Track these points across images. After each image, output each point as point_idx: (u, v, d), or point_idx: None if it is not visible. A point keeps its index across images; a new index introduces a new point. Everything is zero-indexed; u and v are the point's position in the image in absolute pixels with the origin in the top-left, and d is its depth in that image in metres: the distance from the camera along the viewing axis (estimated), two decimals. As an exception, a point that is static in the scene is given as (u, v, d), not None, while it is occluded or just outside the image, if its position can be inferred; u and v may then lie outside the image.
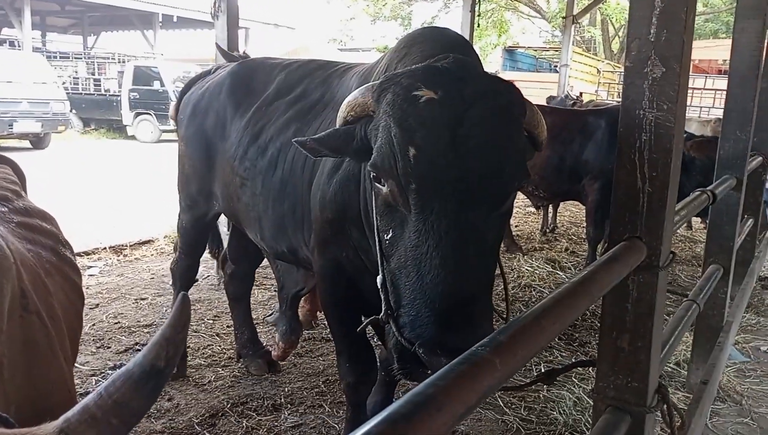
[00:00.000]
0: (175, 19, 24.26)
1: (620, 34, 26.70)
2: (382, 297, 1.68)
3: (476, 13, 8.84)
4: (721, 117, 3.73)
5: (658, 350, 1.89)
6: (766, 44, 3.53)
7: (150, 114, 18.69)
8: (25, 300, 1.22)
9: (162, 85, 18.77)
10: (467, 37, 8.65)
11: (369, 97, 1.71)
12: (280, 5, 27.85)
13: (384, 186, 1.62)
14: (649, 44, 1.69)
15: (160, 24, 24.86)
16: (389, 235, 1.64)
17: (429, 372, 1.45)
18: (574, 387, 3.60)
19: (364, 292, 2.41)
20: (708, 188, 2.91)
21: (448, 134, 1.53)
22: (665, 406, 1.86)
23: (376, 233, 1.73)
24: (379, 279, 1.72)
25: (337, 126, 1.83)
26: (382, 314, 1.66)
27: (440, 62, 1.70)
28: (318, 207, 2.40)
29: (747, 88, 3.42)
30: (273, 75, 3.14)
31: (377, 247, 1.72)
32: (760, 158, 4.59)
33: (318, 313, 4.49)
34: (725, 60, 14.02)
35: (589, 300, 1.34)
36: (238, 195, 3.04)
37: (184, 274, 3.75)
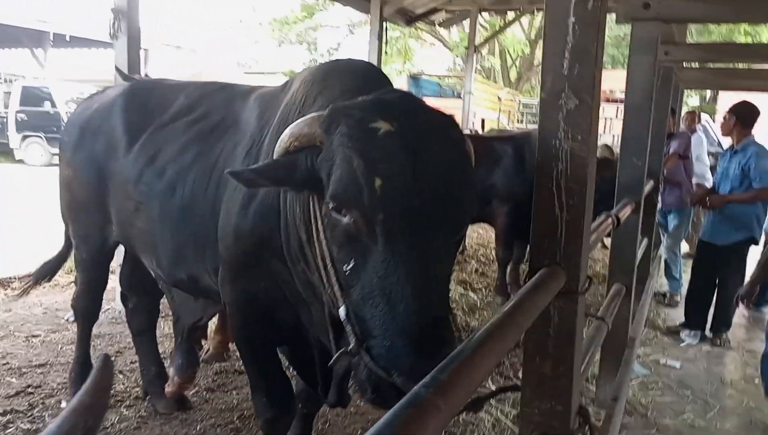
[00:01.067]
0: (67, 38, 23.01)
1: (517, 63, 28.04)
2: (348, 329, 1.64)
3: (384, 41, 8.98)
4: (607, 142, 3.96)
5: (579, 374, 1.94)
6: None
7: (40, 136, 17.56)
8: None
9: (53, 106, 17.72)
10: (375, 64, 8.79)
11: (316, 128, 1.68)
12: (182, 27, 27.18)
13: (345, 217, 1.59)
14: (563, 78, 1.75)
15: (51, 42, 23.52)
16: (350, 266, 1.61)
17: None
18: (492, 409, 3.65)
19: (280, 323, 2.34)
20: (612, 212, 3.06)
21: (410, 165, 1.54)
22: (587, 427, 1.90)
23: (331, 264, 1.69)
24: (342, 311, 1.67)
25: (276, 156, 1.78)
26: (351, 347, 1.62)
27: (387, 95, 1.73)
28: (232, 238, 2.31)
29: (641, 118, 3.64)
30: (171, 96, 3.02)
31: (333, 279, 1.69)
32: (652, 182, 4.91)
33: (230, 344, 4.32)
34: (612, 90, 14.99)
35: (518, 331, 1.35)
36: (131, 220, 2.89)
37: (87, 310, 3.54)
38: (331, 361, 1.82)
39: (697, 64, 7.14)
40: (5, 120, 18.39)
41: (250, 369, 2.60)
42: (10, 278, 5.88)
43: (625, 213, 3.37)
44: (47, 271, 3.91)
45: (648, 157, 3.78)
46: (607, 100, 14.49)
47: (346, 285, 1.63)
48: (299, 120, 1.77)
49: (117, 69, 4.32)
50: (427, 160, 1.56)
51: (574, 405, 1.88)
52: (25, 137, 17.91)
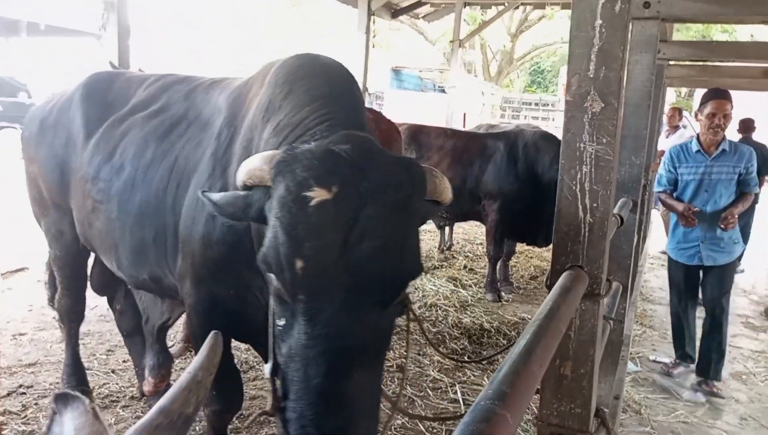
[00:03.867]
0: (42, 27, 22.50)
1: (497, 58, 28.17)
2: (271, 388, 1.65)
3: (371, 34, 8.94)
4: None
5: (598, 375, 1.95)
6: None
7: (15, 128, 17.15)
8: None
9: (30, 96, 17.33)
10: (363, 58, 8.75)
11: (266, 171, 1.60)
12: (179, 26, 26.78)
13: (275, 280, 1.54)
14: (589, 80, 1.75)
15: (26, 31, 22.98)
16: (281, 323, 1.57)
17: None
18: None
19: (248, 323, 2.28)
20: (615, 211, 3.08)
21: (339, 240, 1.44)
22: (605, 429, 1.92)
23: (270, 314, 1.66)
24: (267, 368, 1.67)
25: (238, 186, 1.71)
26: (269, 407, 1.62)
27: (339, 146, 1.58)
28: (200, 245, 2.23)
29: (640, 116, 3.66)
30: (131, 88, 2.93)
31: (270, 330, 1.66)
32: (642, 179, 4.96)
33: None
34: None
35: (559, 335, 1.35)
36: (90, 220, 2.80)
37: (71, 311, 3.43)
38: (250, 420, 1.80)
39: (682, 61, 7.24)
40: (-22, 111, 17.91)
41: None
42: (-10, 274, 5.75)
43: (626, 212, 3.39)
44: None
45: (646, 156, 3.81)
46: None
47: (279, 338, 1.60)
48: (254, 156, 1.70)
49: (111, 64, 4.22)
50: (364, 229, 1.46)
51: (593, 407, 1.89)
52: (0, 128, 17.48)
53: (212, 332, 0.73)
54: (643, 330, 5.54)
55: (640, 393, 4.21)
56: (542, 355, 1.17)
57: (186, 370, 0.71)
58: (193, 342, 2.65)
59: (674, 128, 9.27)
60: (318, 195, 1.47)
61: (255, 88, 2.32)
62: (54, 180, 3.01)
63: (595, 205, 1.78)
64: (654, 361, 4.86)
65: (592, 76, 1.74)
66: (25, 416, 3.30)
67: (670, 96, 23.21)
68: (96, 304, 4.97)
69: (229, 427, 3.35)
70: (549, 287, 1.72)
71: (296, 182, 1.50)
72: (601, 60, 1.72)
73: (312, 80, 2.08)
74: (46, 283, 3.77)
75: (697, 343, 4.57)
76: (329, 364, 1.44)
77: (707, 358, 4.44)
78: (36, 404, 3.44)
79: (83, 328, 4.53)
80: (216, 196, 1.69)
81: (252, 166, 1.65)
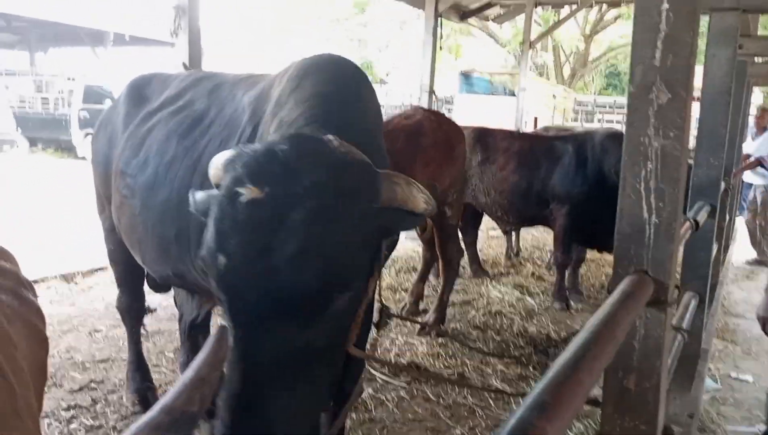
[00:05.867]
0: (127, 38, 23.72)
1: (571, 60, 27.45)
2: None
3: (439, 36, 8.86)
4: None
5: (665, 390, 1.80)
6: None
7: (101, 134, 18.12)
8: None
9: (114, 104, 18.25)
10: (429, 60, 8.67)
11: (221, 168, 1.57)
12: (237, 32, 27.68)
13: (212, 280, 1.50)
14: (654, 69, 1.62)
15: (112, 42, 24.28)
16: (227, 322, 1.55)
17: None
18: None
19: None
20: (689, 216, 2.88)
21: (263, 240, 1.38)
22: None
23: None
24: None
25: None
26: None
27: (280, 146, 1.51)
28: None
29: (719, 113, 3.44)
30: (165, 85, 2.98)
31: None
32: (723, 184, 4.66)
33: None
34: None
35: (615, 344, 1.24)
36: (119, 215, 2.85)
37: (131, 310, 3.50)
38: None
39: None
40: (68, 117, 19.01)
41: None
42: (73, 273, 6.03)
43: (702, 217, 3.18)
44: None
45: (725, 157, 3.57)
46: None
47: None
48: (220, 153, 1.69)
49: (184, 65, 4.34)
50: (288, 234, 1.38)
51: (660, 424, 1.75)
52: (87, 134, 18.49)
53: (219, 326, 0.69)
54: (724, 345, 5.18)
55: (720, 413, 3.93)
56: (592, 364, 1.07)
57: (190, 366, 0.67)
58: None
59: (762, 129, 8.69)
60: (250, 192, 1.42)
61: (275, 86, 2.31)
62: (101, 174, 3.13)
63: (661, 204, 1.65)
64: (736, 378, 4.54)
65: (658, 64, 1.61)
66: (94, 411, 3.41)
67: (757, 97, 21.95)
68: (167, 302, 5.14)
69: None
70: (609, 293, 1.61)
71: (233, 179, 1.47)
72: (668, 47, 1.60)
73: (320, 75, 2.07)
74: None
75: None
76: (245, 370, 1.40)
77: None
78: (105, 399, 3.55)
79: (153, 326, 4.69)
80: (197, 195, 1.68)
81: (214, 164, 1.66)
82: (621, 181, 1.71)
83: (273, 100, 2.20)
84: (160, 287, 3.56)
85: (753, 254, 8.75)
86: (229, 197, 1.44)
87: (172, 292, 4.12)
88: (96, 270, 6.22)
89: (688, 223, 2.70)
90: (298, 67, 2.20)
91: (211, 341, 0.69)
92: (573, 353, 1.07)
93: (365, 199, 1.52)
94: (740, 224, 9.29)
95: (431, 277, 5.77)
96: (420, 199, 1.60)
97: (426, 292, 5.52)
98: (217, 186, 1.62)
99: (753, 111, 9.32)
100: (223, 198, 1.46)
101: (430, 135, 4.35)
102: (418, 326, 4.78)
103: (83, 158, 18.70)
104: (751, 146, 8.42)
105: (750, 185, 8.92)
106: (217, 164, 1.64)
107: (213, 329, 3.82)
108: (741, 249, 8.93)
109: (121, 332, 4.59)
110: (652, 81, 1.63)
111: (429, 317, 4.85)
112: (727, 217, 5.45)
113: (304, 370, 1.49)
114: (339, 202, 1.45)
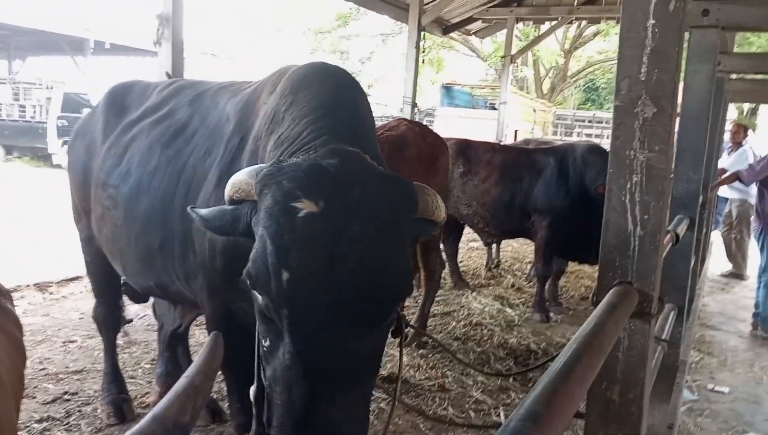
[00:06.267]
0: (107, 46, 23.51)
1: (550, 74, 27.77)
2: (255, 411, 1.60)
3: (420, 50, 8.91)
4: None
5: (648, 401, 1.81)
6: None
7: (78, 142, 17.87)
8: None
9: (92, 112, 18.02)
10: (412, 73, 8.70)
11: (252, 185, 1.56)
12: (218, 36, 27.54)
13: (260, 296, 1.49)
14: (640, 83, 1.65)
15: (92, 50, 24.04)
16: (267, 343, 1.53)
17: None
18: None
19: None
20: (670, 228, 2.92)
21: (326, 254, 1.40)
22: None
23: (256, 334, 1.62)
24: (252, 390, 1.62)
25: (226, 200, 1.69)
26: (252, 432, 1.58)
27: (326, 160, 1.55)
28: (208, 254, 2.22)
29: (698, 129, 3.50)
30: (146, 93, 2.95)
31: (256, 351, 1.61)
32: (701, 197, 4.73)
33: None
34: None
35: (603, 354, 1.24)
36: (99, 226, 2.82)
37: (107, 320, 3.43)
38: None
39: (742, 75, 6.94)
40: (45, 125, 18.75)
41: (228, 377, 2.53)
42: (47, 282, 5.91)
43: (682, 229, 3.22)
44: None
45: (704, 170, 3.63)
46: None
47: (264, 359, 1.55)
48: (242, 170, 1.67)
49: (167, 75, 4.30)
50: (350, 246, 1.40)
51: (642, 434, 1.76)
52: (65, 142, 18.23)
53: (212, 334, 0.68)
54: (700, 356, 5.24)
55: (697, 424, 3.96)
56: (583, 375, 1.08)
57: (183, 374, 0.65)
58: None
59: (737, 145, 8.85)
60: (306, 206, 1.43)
61: (264, 96, 2.28)
62: (79, 184, 3.08)
63: (646, 217, 1.67)
64: (712, 390, 4.58)
65: (643, 78, 1.64)
66: (68, 423, 3.33)
67: (731, 113, 22.35)
68: (144, 313, 5.06)
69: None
70: (595, 304, 1.61)
71: (283, 193, 1.47)
72: (654, 61, 1.62)
73: (313, 90, 2.03)
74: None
75: None
76: (312, 385, 1.39)
77: None
78: (79, 411, 3.48)
79: (131, 337, 4.62)
80: (204, 211, 1.66)
81: (238, 180, 1.63)
82: (606, 194, 1.73)
83: (264, 115, 2.16)
84: (138, 297, 3.50)
85: (727, 267, 8.90)
86: (285, 211, 1.43)
87: (150, 302, 4.08)
88: (71, 279, 6.11)
89: (669, 236, 2.73)
90: (289, 81, 2.14)
91: (205, 350, 0.68)
92: (563, 364, 1.07)
93: (409, 210, 1.58)
94: (715, 237, 9.44)
95: (412, 289, 5.76)
96: (442, 210, 1.68)
97: (407, 303, 5.51)
98: (239, 201, 1.61)
99: (728, 127, 9.49)
100: (279, 213, 1.44)
101: (413, 146, 4.36)
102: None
103: (59, 166, 18.47)
104: (726, 161, 8.57)
105: (726, 199, 9.08)
106: (244, 179, 1.60)
107: (191, 340, 3.78)
108: (715, 262, 9.08)
109: (96, 343, 4.52)
110: (638, 95, 1.65)
111: (409, 329, 4.84)
112: (704, 230, 5.52)
113: (363, 379, 1.50)
114: (391, 214, 1.50)
